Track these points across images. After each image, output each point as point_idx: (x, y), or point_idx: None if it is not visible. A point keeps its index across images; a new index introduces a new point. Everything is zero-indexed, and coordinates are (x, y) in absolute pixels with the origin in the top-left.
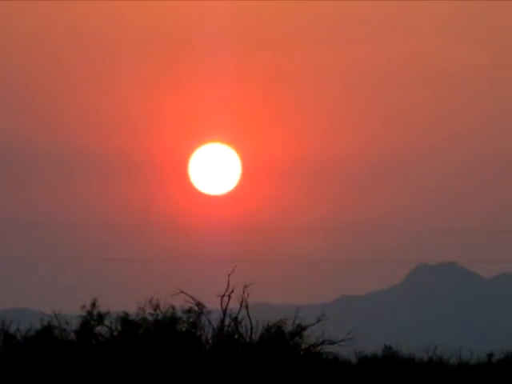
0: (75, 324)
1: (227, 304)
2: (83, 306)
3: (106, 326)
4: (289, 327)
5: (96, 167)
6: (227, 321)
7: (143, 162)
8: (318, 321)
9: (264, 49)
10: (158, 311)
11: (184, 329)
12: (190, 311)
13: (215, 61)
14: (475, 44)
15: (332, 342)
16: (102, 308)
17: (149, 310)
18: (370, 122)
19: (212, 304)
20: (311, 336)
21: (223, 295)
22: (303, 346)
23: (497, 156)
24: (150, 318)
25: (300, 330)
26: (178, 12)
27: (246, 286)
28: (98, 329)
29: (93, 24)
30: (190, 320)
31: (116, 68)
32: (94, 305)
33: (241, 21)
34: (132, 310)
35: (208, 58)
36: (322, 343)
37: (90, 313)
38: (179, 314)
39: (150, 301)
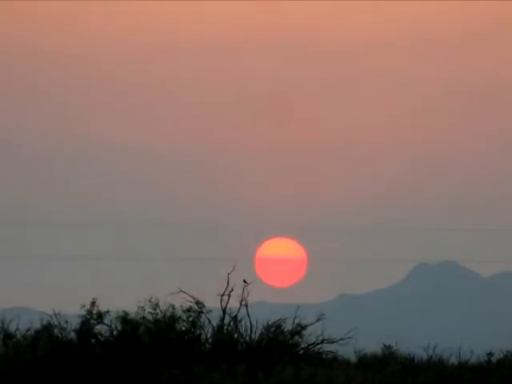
0: (75, 323)
1: (227, 303)
2: (83, 305)
3: (106, 325)
4: (288, 326)
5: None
6: (227, 320)
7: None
8: (318, 320)
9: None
10: (158, 310)
11: (184, 328)
12: (189, 310)
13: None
14: None
15: (331, 341)
16: (102, 307)
17: (148, 309)
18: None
19: (212, 303)
20: (311, 335)
21: (223, 294)
22: (303, 345)
23: (497, 156)
24: (150, 317)
25: (300, 329)
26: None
27: (245, 285)
28: (98, 328)
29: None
30: (190, 319)
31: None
32: (93, 304)
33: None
34: (132, 309)
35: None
36: (322, 342)
37: (89, 312)
38: (179, 313)
39: (150, 300)
